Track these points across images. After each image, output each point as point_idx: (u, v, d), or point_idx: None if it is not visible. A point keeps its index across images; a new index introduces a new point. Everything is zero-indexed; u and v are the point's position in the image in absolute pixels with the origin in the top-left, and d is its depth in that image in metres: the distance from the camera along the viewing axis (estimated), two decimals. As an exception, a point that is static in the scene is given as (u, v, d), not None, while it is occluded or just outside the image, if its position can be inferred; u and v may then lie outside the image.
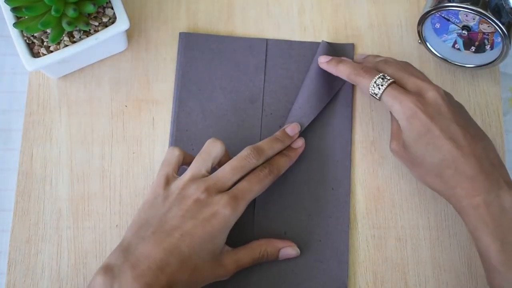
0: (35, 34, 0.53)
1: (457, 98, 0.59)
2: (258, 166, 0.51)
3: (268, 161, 0.53)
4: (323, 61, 0.56)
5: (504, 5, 0.52)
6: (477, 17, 0.54)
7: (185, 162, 0.52)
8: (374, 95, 0.51)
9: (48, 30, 0.53)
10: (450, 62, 0.59)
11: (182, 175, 0.50)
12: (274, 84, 0.59)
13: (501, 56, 0.55)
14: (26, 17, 0.52)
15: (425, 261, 0.55)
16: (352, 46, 0.60)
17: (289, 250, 0.53)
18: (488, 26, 0.55)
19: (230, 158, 0.51)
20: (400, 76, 0.52)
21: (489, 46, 0.57)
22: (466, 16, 0.55)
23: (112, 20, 0.54)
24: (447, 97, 0.51)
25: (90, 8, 0.51)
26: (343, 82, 0.58)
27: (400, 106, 0.50)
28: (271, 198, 0.55)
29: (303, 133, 0.56)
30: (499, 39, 0.54)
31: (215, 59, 0.59)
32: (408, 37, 0.61)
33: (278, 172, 0.53)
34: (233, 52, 0.59)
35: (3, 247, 0.56)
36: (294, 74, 0.59)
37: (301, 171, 0.56)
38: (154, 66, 0.60)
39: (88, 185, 0.56)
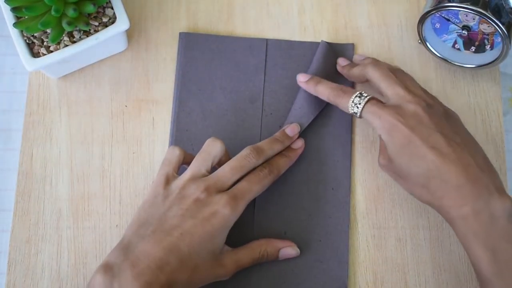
0: (35, 34, 0.53)
1: (457, 98, 0.59)
2: (258, 166, 0.52)
3: (267, 161, 0.53)
4: (302, 80, 0.56)
5: (504, 5, 0.52)
6: (477, 17, 0.54)
7: (185, 162, 0.52)
8: (354, 114, 0.52)
9: (48, 30, 0.53)
10: (450, 62, 0.59)
11: (182, 175, 0.50)
12: (274, 84, 0.59)
13: (501, 56, 0.55)
14: (26, 17, 0.52)
15: (425, 261, 0.55)
16: (352, 46, 0.60)
17: (289, 250, 0.53)
18: (488, 26, 0.55)
19: (230, 158, 0.52)
20: (384, 84, 0.51)
21: (489, 46, 0.57)
22: (466, 16, 0.55)
23: (112, 20, 0.54)
24: (431, 108, 0.50)
25: (90, 8, 0.51)
26: (343, 81, 0.58)
27: (380, 121, 0.49)
28: (271, 198, 0.55)
29: (303, 133, 0.56)
30: (499, 39, 0.54)
31: (215, 59, 0.59)
32: (408, 37, 0.61)
33: (278, 173, 0.53)
34: (233, 52, 0.59)
35: (3, 247, 0.56)
36: (294, 74, 0.58)
37: (301, 171, 0.56)
38: (154, 66, 0.60)
39: (88, 185, 0.56)
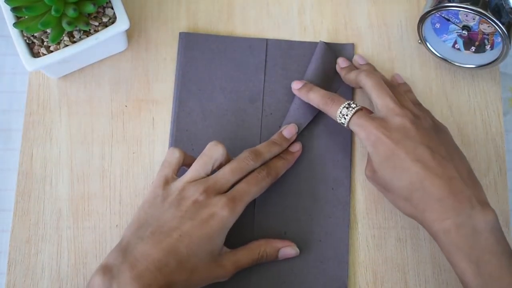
0: (35, 34, 0.53)
1: (457, 98, 0.59)
2: (256, 169, 0.52)
3: (266, 163, 0.53)
4: (295, 87, 0.57)
5: (504, 5, 0.52)
6: (477, 17, 0.54)
7: (185, 164, 0.52)
8: (342, 124, 0.52)
9: (48, 30, 0.53)
10: (450, 62, 0.59)
11: (182, 177, 0.50)
12: (274, 84, 0.59)
13: (501, 56, 0.55)
14: (26, 17, 0.52)
15: (425, 261, 0.55)
16: (352, 46, 0.60)
17: (289, 249, 0.53)
18: (488, 26, 0.55)
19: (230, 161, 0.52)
20: (375, 94, 0.52)
21: (489, 46, 0.57)
22: (466, 16, 0.55)
23: (112, 20, 0.54)
24: (418, 119, 0.50)
25: (90, 8, 0.51)
26: (342, 82, 0.58)
27: (365, 133, 0.50)
28: (271, 198, 0.55)
29: (302, 133, 0.56)
30: (499, 39, 0.54)
31: (215, 59, 0.59)
32: (408, 37, 0.61)
33: (276, 175, 0.53)
34: (233, 52, 0.59)
35: (3, 247, 0.56)
36: (294, 74, 0.59)
37: (301, 171, 0.56)
38: (154, 66, 0.60)
39: (88, 185, 0.56)
